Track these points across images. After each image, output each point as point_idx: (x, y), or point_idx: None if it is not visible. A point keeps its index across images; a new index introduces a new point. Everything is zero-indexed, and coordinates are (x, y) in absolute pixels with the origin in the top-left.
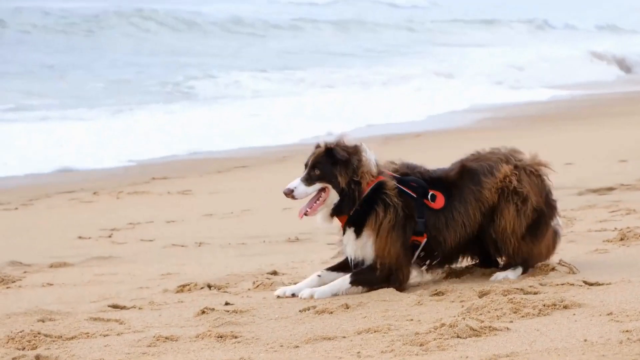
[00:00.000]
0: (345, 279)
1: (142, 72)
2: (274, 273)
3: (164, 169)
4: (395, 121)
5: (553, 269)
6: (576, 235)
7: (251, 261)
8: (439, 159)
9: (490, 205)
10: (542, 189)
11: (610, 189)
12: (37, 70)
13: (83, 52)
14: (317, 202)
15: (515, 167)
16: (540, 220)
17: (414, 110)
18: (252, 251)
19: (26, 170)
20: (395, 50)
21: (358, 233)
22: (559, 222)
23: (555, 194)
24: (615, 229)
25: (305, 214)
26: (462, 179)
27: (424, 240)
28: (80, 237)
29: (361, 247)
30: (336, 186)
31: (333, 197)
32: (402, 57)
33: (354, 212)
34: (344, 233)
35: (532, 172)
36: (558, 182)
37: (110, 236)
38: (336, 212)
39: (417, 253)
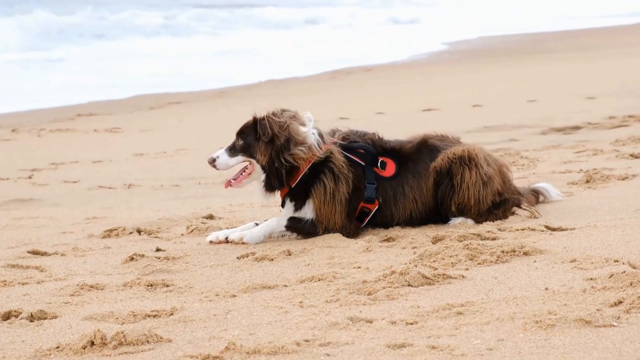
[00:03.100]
0: (280, 220)
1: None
2: (210, 217)
3: (90, 105)
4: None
5: (513, 212)
6: (539, 177)
7: (185, 204)
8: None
9: (446, 174)
10: (505, 176)
11: (577, 127)
12: None
13: None
14: (243, 174)
15: (479, 149)
16: (505, 201)
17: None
18: (187, 193)
19: None
20: None
21: (299, 206)
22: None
23: (517, 133)
24: (581, 170)
25: (230, 185)
26: (420, 152)
27: (375, 207)
28: None
29: (302, 217)
30: (258, 162)
31: (259, 171)
32: None
33: (296, 184)
34: (283, 205)
35: (497, 160)
36: (520, 120)
37: (30, 177)
38: (266, 187)
39: (366, 220)
